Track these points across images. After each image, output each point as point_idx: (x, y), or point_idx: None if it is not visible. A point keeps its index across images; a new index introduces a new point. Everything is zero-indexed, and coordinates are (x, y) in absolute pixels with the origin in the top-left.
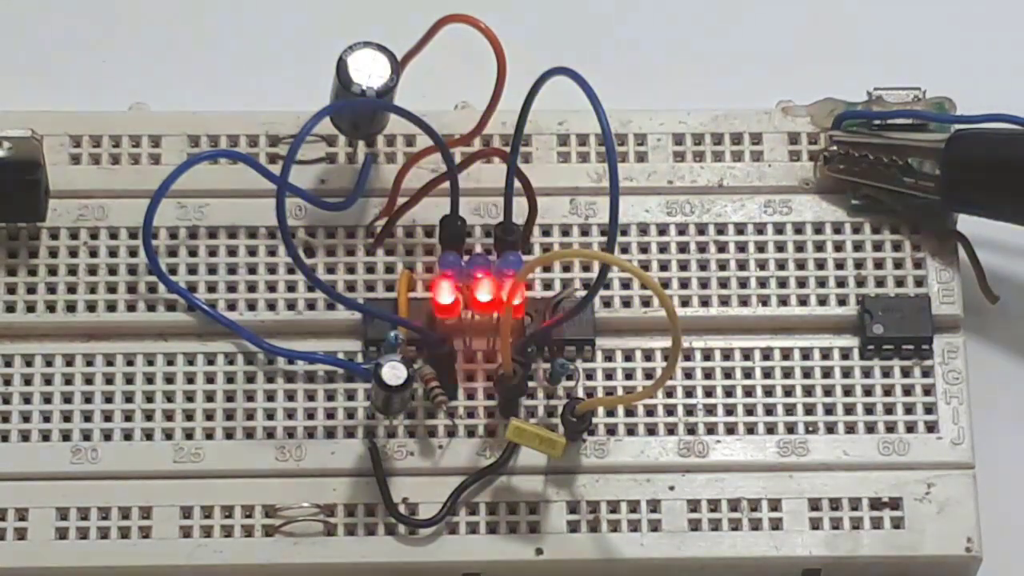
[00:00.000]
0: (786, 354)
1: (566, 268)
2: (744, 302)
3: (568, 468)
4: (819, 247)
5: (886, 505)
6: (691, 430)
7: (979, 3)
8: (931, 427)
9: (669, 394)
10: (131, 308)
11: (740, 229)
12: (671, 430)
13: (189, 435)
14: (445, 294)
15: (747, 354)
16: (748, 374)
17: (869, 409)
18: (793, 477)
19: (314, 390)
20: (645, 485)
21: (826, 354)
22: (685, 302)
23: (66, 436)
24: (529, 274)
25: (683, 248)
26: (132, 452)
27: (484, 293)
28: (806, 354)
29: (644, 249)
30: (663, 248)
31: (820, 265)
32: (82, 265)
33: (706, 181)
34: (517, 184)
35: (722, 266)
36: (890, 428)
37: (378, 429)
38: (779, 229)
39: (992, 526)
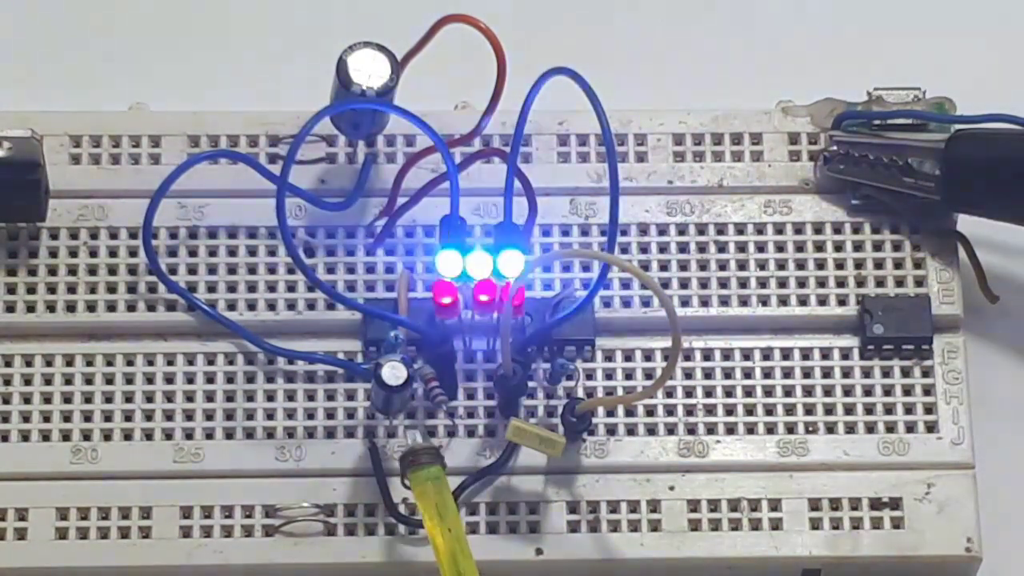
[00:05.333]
0: (786, 354)
1: (566, 268)
2: (744, 302)
3: (568, 468)
4: (819, 247)
5: (886, 505)
6: (691, 430)
7: (979, 3)
8: (931, 427)
9: (669, 394)
10: (131, 308)
11: (740, 229)
12: (671, 430)
13: (189, 435)
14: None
15: (747, 354)
16: (748, 374)
17: (869, 409)
18: (793, 477)
19: (314, 390)
20: (645, 485)
21: (826, 354)
22: (685, 302)
23: (66, 436)
24: (529, 274)
25: (683, 248)
26: (132, 452)
27: (484, 293)
28: (806, 354)
29: (644, 249)
30: (663, 248)
31: (820, 265)
32: (82, 265)
33: (706, 181)
34: (517, 184)
35: (722, 266)
36: (890, 428)
37: (378, 429)
38: (779, 229)
39: (992, 526)
